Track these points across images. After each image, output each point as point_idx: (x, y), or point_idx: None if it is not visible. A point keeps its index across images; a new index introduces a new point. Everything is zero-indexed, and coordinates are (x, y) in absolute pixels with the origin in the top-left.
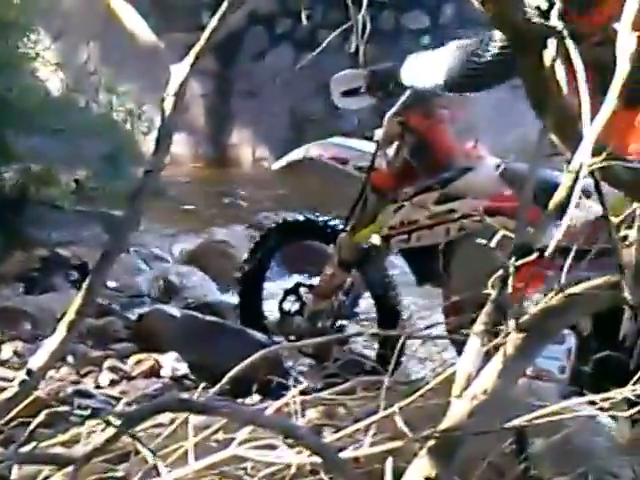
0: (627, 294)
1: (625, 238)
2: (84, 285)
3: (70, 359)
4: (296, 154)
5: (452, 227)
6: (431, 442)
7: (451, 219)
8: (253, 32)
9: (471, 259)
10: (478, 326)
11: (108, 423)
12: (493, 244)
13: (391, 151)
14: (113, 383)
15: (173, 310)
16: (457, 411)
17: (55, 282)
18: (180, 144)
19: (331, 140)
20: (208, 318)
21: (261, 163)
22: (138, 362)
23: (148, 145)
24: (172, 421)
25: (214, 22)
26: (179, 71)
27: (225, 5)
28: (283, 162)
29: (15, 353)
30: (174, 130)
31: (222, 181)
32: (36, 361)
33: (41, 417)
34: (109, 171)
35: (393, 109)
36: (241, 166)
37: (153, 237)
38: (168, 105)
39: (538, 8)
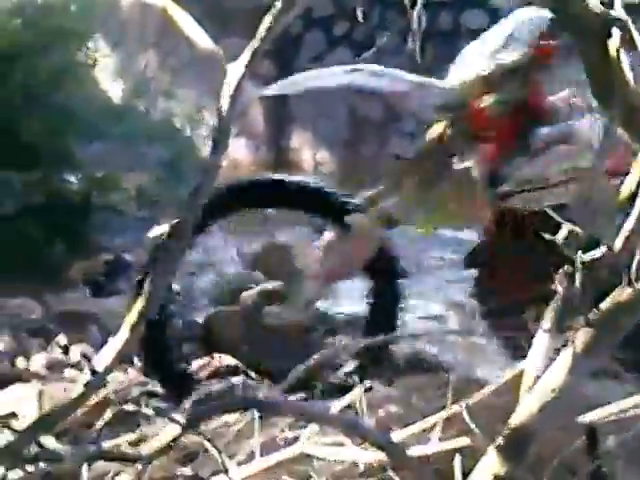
0: None
1: None
2: (146, 286)
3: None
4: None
5: (571, 188)
6: (500, 440)
7: (574, 178)
8: (311, 35)
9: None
10: (546, 322)
11: (174, 421)
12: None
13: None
14: None
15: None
16: (526, 408)
17: (120, 286)
18: (240, 149)
19: (363, 67)
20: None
21: (322, 166)
22: (203, 364)
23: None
24: (238, 421)
25: (267, 20)
26: (235, 70)
27: (278, 6)
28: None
29: (83, 356)
30: (231, 129)
31: None
32: (100, 362)
33: (108, 416)
34: (170, 177)
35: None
36: (302, 169)
37: (215, 240)
38: (224, 104)
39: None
